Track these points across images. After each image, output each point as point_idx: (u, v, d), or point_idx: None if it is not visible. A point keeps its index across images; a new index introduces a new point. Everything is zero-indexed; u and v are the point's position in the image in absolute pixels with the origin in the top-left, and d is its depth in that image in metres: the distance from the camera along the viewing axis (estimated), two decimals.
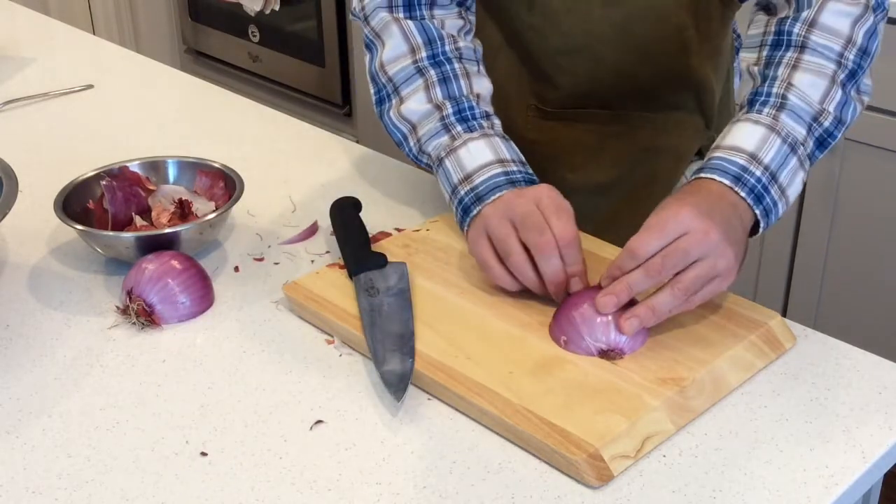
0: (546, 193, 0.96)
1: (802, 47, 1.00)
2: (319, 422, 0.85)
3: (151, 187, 1.14)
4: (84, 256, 1.09)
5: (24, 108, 1.46)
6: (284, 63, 2.96)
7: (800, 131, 0.97)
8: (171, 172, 1.16)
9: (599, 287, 0.92)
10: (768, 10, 1.08)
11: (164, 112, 1.46)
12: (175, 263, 0.99)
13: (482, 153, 1.03)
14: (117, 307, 1.00)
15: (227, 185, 1.13)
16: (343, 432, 0.84)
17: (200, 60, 3.31)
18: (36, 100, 1.48)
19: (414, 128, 1.08)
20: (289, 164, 1.29)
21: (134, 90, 1.53)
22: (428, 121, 1.07)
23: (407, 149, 1.10)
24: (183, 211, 1.10)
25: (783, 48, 1.01)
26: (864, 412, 0.85)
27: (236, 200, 1.08)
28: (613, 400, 0.83)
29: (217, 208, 1.11)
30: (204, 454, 0.82)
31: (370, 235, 1.07)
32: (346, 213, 1.09)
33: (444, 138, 1.05)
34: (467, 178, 1.02)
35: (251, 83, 3.10)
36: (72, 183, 1.10)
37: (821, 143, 1.00)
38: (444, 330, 0.92)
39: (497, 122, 1.08)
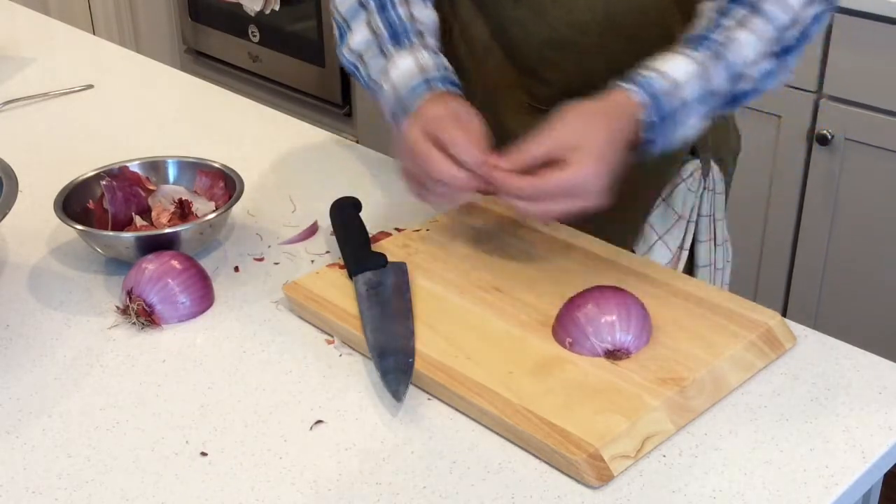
0: (451, 107, 1.00)
1: (755, 8, 1.03)
2: (319, 422, 0.85)
3: (151, 187, 1.14)
4: (84, 256, 1.09)
5: (24, 108, 1.46)
6: (284, 63, 2.96)
7: (722, 84, 1.01)
8: (171, 172, 1.16)
9: (603, 288, 0.92)
10: None
11: (164, 112, 1.46)
12: (175, 263, 0.99)
13: (407, 66, 1.05)
14: (117, 307, 1.00)
15: (227, 185, 1.13)
16: (343, 432, 0.84)
17: (200, 60, 3.31)
18: (36, 100, 1.48)
19: (361, 57, 1.11)
20: (289, 163, 1.29)
21: (134, 90, 1.53)
22: (369, 48, 1.09)
23: (360, 80, 1.12)
24: (183, 211, 1.10)
25: (737, 4, 1.03)
26: (864, 412, 0.85)
27: (236, 200, 1.08)
28: (613, 400, 0.83)
29: (217, 208, 1.11)
30: (204, 454, 0.82)
31: (370, 235, 1.07)
32: (346, 213, 1.09)
33: (381, 62, 1.08)
34: (394, 89, 1.05)
35: (251, 83, 3.10)
36: (72, 183, 1.10)
37: (732, 101, 1.04)
38: (444, 330, 0.92)
39: (431, 40, 1.11)
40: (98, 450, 0.83)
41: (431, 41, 1.10)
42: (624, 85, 0.99)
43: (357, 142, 1.41)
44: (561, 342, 0.90)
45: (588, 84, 1.21)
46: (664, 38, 1.17)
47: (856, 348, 0.93)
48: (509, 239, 1.07)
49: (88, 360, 0.94)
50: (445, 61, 1.09)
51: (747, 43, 1.02)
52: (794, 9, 1.04)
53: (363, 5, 1.11)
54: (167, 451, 0.83)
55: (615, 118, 0.97)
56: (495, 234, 1.07)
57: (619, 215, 1.14)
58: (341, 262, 1.03)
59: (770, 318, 0.93)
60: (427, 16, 1.13)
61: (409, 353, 0.89)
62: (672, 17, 1.16)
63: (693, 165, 1.24)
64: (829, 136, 1.98)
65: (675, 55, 1.01)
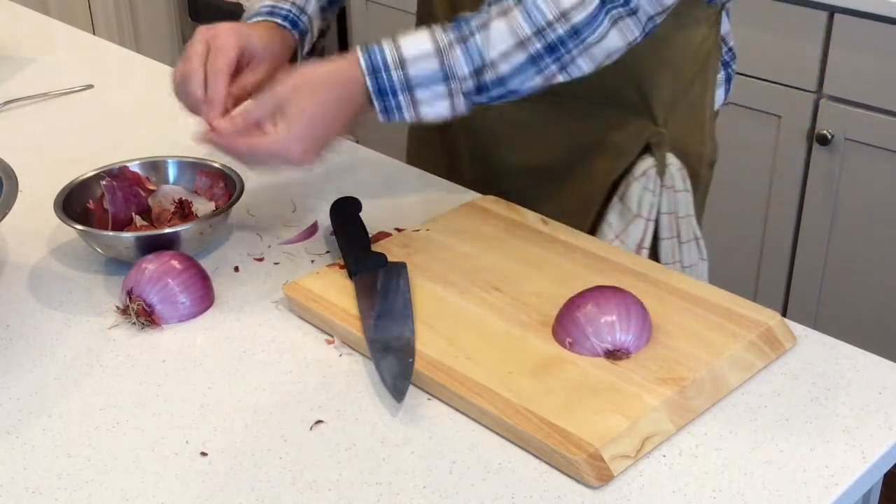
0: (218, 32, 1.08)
1: (520, 1, 1.01)
2: (319, 422, 0.85)
3: (151, 187, 1.14)
4: (84, 256, 1.09)
5: (24, 108, 1.46)
6: None
7: (463, 68, 1.00)
8: (171, 172, 1.16)
9: (603, 288, 0.92)
10: None
11: (164, 112, 1.46)
12: (175, 263, 0.99)
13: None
14: (117, 307, 1.00)
15: (227, 185, 1.13)
16: (343, 432, 0.84)
17: None
18: (36, 100, 1.48)
19: None
20: None
21: (134, 90, 1.53)
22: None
23: None
24: (183, 211, 1.10)
25: None
26: (864, 412, 0.85)
27: (236, 200, 1.08)
28: (613, 400, 0.83)
29: (217, 208, 1.11)
30: (204, 454, 0.82)
31: (370, 235, 1.07)
32: (346, 213, 1.09)
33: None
34: (246, 14, 1.15)
35: None
36: (72, 183, 1.10)
37: (479, 90, 1.02)
38: (444, 330, 0.92)
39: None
40: (98, 450, 0.83)
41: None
42: (358, 49, 1.01)
43: (357, 142, 1.41)
44: (561, 342, 0.90)
45: None
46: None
47: (856, 348, 0.93)
48: (509, 239, 1.07)
49: (88, 360, 0.94)
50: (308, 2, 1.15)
51: (498, 35, 1.00)
52: (564, 6, 0.99)
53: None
54: (167, 451, 0.83)
55: (333, 87, 1.00)
56: (495, 234, 1.07)
57: (570, 211, 1.13)
58: (341, 262, 1.03)
59: (770, 318, 0.93)
60: None
61: (409, 352, 0.89)
62: None
63: (646, 164, 1.22)
64: (829, 136, 1.98)
65: (423, 31, 1.01)
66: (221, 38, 1.06)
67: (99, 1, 3.23)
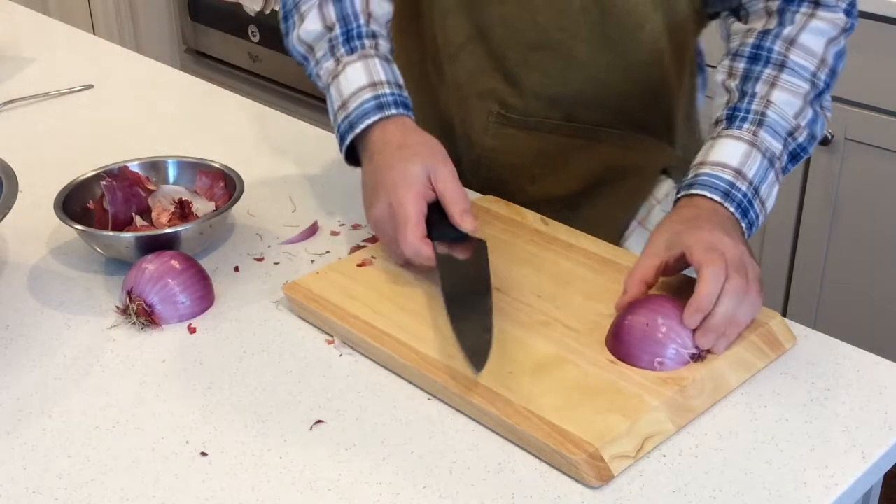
0: (398, 193, 0.97)
1: (782, 66, 1.03)
2: (319, 422, 0.85)
3: (151, 187, 1.14)
4: (84, 256, 1.09)
5: (24, 108, 1.46)
6: (284, 63, 2.96)
7: (777, 146, 1.01)
8: (171, 172, 1.16)
9: (649, 300, 0.90)
10: (737, 14, 1.11)
11: (164, 112, 1.46)
12: (175, 263, 0.99)
13: (358, 77, 1.02)
14: (117, 307, 1.00)
15: (227, 185, 1.13)
16: (343, 432, 0.84)
17: (200, 60, 3.31)
18: (36, 100, 1.48)
19: (311, 49, 1.08)
20: (289, 164, 1.29)
21: (134, 90, 1.53)
22: (321, 43, 1.06)
23: (308, 71, 1.10)
24: (183, 211, 1.10)
25: (762, 64, 1.04)
26: (864, 412, 0.85)
27: (236, 200, 1.08)
28: (613, 400, 0.83)
29: (217, 208, 1.11)
30: (204, 454, 0.82)
31: (370, 236, 1.06)
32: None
33: (330, 63, 1.05)
34: (343, 105, 1.03)
35: (251, 83, 3.10)
36: (72, 183, 1.10)
37: (794, 157, 1.04)
38: (444, 330, 0.92)
39: (384, 43, 1.07)
40: (98, 450, 0.83)
41: (384, 45, 1.07)
42: (695, 192, 0.97)
43: None
44: (648, 366, 0.87)
45: (564, 95, 1.19)
46: (652, 60, 1.16)
47: (856, 348, 0.93)
48: (509, 239, 1.07)
49: (88, 360, 0.94)
50: (398, 74, 1.06)
51: (785, 102, 1.02)
52: (819, 53, 1.04)
53: None
54: (167, 451, 0.83)
55: (722, 228, 0.94)
56: (495, 234, 1.07)
57: (587, 233, 1.13)
58: (361, 260, 1.02)
59: (770, 318, 0.93)
60: (383, 11, 1.10)
61: (488, 328, 0.89)
62: (662, 43, 1.15)
63: (667, 186, 1.23)
64: (829, 136, 1.98)
65: (723, 140, 1.00)
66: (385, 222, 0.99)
67: (99, 1, 3.23)
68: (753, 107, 1.01)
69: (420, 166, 0.97)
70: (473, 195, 1.18)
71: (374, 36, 1.06)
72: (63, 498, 0.78)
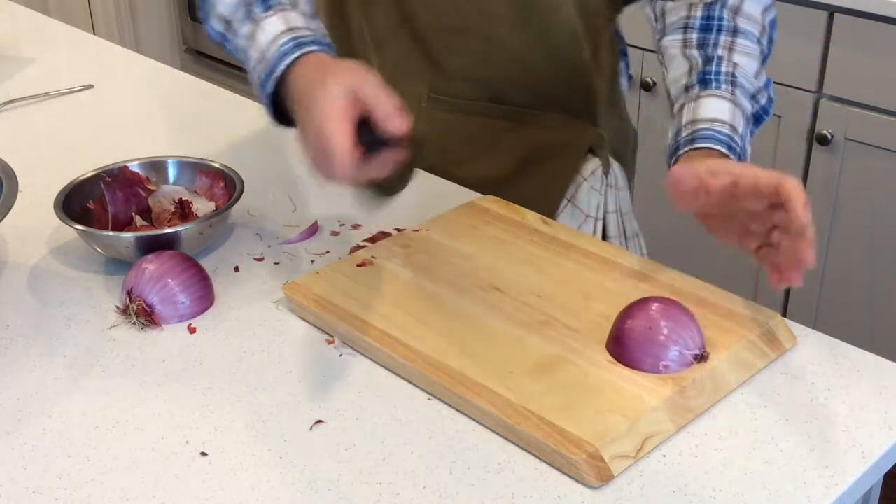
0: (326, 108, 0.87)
1: (735, 31, 1.06)
2: (319, 422, 0.85)
3: (151, 187, 1.14)
4: (84, 256, 1.09)
5: (24, 108, 1.46)
6: None
7: (748, 107, 1.03)
8: (171, 172, 1.16)
9: (645, 303, 0.90)
10: None
11: (164, 112, 1.46)
12: (175, 263, 0.99)
13: (274, 27, 0.98)
14: (117, 307, 1.00)
15: (227, 185, 1.13)
16: (343, 432, 0.84)
17: (200, 60, 3.31)
18: (36, 100, 1.48)
19: (229, 24, 1.03)
20: (289, 164, 1.29)
21: (134, 90, 1.53)
22: (237, 12, 1.02)
23: (228, 47, 1.05)
24: (183, 211, 1.10)
25: (715, 32, 1.07)
26: (864, 412, 0.85)
27: (236, 200, 1.08)
28: (613, 400, 0.83)
29: (217, 208, 1.11)
30: (204, 454, 0.82)
31: (371, 235, 1.06)
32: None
33: (247, 26, 1.00)
34: (261, 57, 0.97)
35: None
36: (72, 183, 1.10)
37: (756, 119, 1.06)
38: (444, 330, 0.92)
39: (305, 6, 1.03)
40: (98, 450, 0.83)
41: (306, 7, 1.03)
42: (700, 145, 0.97)
43: None
44: (652, 370, 0.87)
45: (488, 77, 1.23)
46: (570, 42, 1.20)
47: (856, 348, 0.93)
48: (509, 239, 1.07)
49: (88, 360, 0.94)
50: (321, 25, 1.02)
51: (747, 65, 1.05)
52: (759, 20, 1.08)
53: None
54: (167, 451, 0.83)
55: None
56: (495, 234, 1.07)
57: None
58: (361, 260, 1.02)
59: (770, 318, 0.93)
60: None
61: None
62: (577, 26, 1.19)
63: (593, 164, 1.26)
64: (829, 136, 1.98)
65: (707, 99, 1.01)
66: (363, 80, 0.91)
67: (99, 1, 3.23)
68: (723, 69, 1.03)
69: (340, 85, 0.89)
70: (473, 195, 1.19)
71: None
72: (63, 498, 0.78)
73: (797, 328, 0.95)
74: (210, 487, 0.79)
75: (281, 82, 0.95)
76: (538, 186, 1.25)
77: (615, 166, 1.29)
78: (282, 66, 0.94)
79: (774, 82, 1.11)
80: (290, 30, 0.97)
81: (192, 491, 0.79)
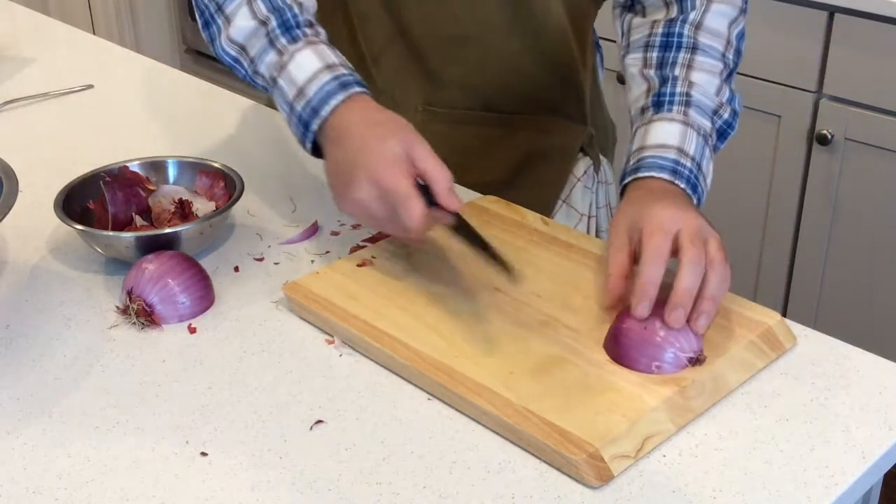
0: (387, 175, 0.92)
1: (694, 48, 1.06)
2: (319, 422, 0.85)
3: (151, 187, 1.14)
4: (84, 256, 1.09)
5: (24, 108, 1.46)
6: None
7: (706, 124, 1.03)
8: (171, 172, 1.16)
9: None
10: (631, 9, 1.14)
11: (164, 112, 1.46)
12: (175, 263, 0.99)
13: (310, 62, 0.98)
14: (117, 307, 1.00)
15: (227, 185, 1.13)
16: (343, 432, 0.84)
17: (200, 60, 3.31)
18: (36, 100, 1.48)
19: (243, 49, 1.03)
20: (289, 164, 1.29)
21: (134, 90, 1.53)
22: (255, 39, 1.01)
23: (242, 72, 1.05)
24: (183, 211, 1.10)
25: (674, 49, 1.07)
26: (864, 412, 0.85)
27: (236, 200, 1.08)
28: (613, 400, 0.83)
29: (217, 208, 1.11)
30: (204, 454, 0.82)
31: (370, 236, 1.06)
32: None
33: (272, 55, 1.00)
34: (300, 92, 0.98)
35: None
36: (72, 183, 1.10)
37: (721, 135, 1.06)
38: (444, 330, 0.92)
39: (322, 30, 1.04)
40: (98, 450, 0.83)
41: (323, 33, 1.04)
42: (642, 175, 0.99)
43: None
44: (646, 370, 0.87)
45: (482, 84, 1.23)
46: (560, 49, 1.21)
47: (856, 348, 0.93)
48: (509, 239, 1.07)
49: (88, 360, 0.94)
50: (345, 58, 1.03)
51: (706, 82, 1.05)
52: (724, 34, 1.08)
53: None
54: (167, 451, 0.83)
55: (674, 200, 0.96)
56: (495, 234, 1.07)
57: None
58: (361, 260, 1.02)
59: (770, 318, 0.93)
60: (310, 3, 1.06)
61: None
62: (566, 27, 1.20)
63: (585, 164, 1.29)
64: (829, 136, 1.98)
65: (657, 123, 1.02)
66: (414, 145, 0.95)
67: (99, 1, 3.23)
68: (678, 89, 1.04)
69: (398, 145, 0.93)
70: (472, 194, 1.19)
71: (311, 25, 1.03)
72: (63, 498, 0.78)
73: (797, 328, 0.95)
74: (210, 487, 0.79)
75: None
76: (534, 190, 1.26)
77: (604, 161, 1.31)
78: (328, 108, 0.96)
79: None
80: (329, 67, 0.98)
81: (192, 491, 0.79)
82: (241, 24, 1.02)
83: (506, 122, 1.27)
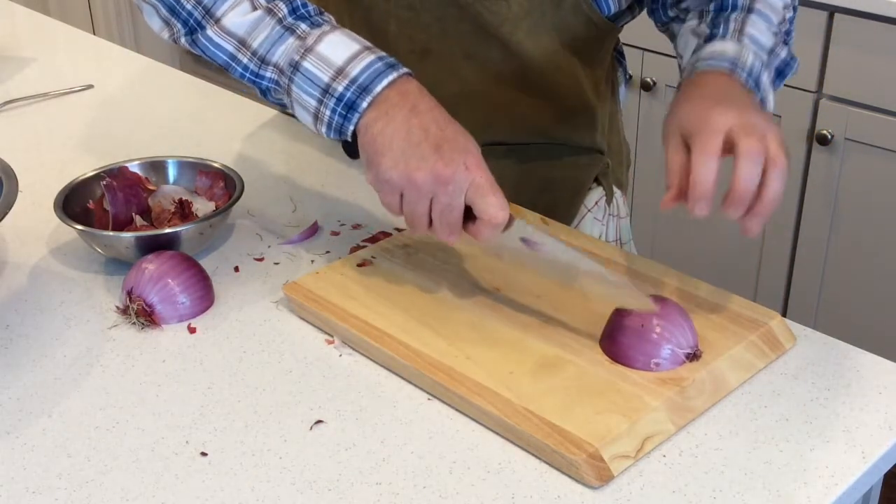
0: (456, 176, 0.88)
1: (749, 10, 1.04)
2: (319, 422, 0.85)
3: (151, 187, 1.14)
4: (84, 256, 1.09)
5: (24, 108, 1.46)
6: None
7: (763, 55, 1.00)
8: (171, 172, 1.16)
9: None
10: (674, 20, 1.14)
11: (164, 112, 1.46)
12: (175, 263, 0.99)
13: (345, 44, 0.92)
14: (117, 307, 1.00)
15: (227, 185, 1.13)
16: (343, 432, 0.84)
17: (200, 60, 3.30)
18: (36, 100, 1.48)
19: (243, 42, 0.95)
20: (289, 164, 1.29)
21: (134, 90, 1.53)
22: (261, 28, 0.94)
23: (239, 68, 0.96)
24: (183, 211, 1.10)
25: (729, 9, 1.05)
26: (864, 412, 0.85)
27: (236, 200, 1.08)
28: (613, 400, 0.83)
29: (217, 208, 1.11)
30: (204, 454, 0.82)
31: (370, 236, 1.06)
32: None
33: (291, 40, 0.93)
34: (340, 72, 0.91)
35: None
36: (72, 183, 1.10)
37: (779, 73, 1.03)
38: (444, 330, 0.92)
39: (332, 17, 0.99)
40: (98, 450, 0.83)
41: (333, 18, 0.98)
42: (700, 68, 0.96)
43: None
44: (644, 367, 0.87)
45: (492, 132, 1.20)
46: (573, 88, 1.19)
47: (856, 348, 0.93)
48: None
49: (88, 360, 0.94)
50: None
51: (760, 31, 1.02)
52: (779, 10, 1.06)
53: None
54: (167, 451, 0.83)
55: (731, 93, 0.94)
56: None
57: None
58: (361, 260, 1.02)
59: (770, 318, 0.93)
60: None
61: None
62: (579, 69, 1.18)
63: (597, 194, 1.25)
64: (829, 136, 1.98)
65: (708, 45, 1.00)
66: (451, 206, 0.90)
67: (99, 1, 3.23)
68: (731, 28, 1.02)
69: (473, 144, 0.91)
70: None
71: (321, 12, 0.98)
72: (63, 498, 0.78)
73: (797, 328, 0.95)
74: (210, 487, 0.79)
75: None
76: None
77: (617, 194, 1.28)
78: (380, 86, 0.91)
79: None
80: (368, 49, 0.93)
81: (192, 491, 0.79)
82: (237, 19, 0.95)
83: (517, 152, 1.24)
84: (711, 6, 1.07)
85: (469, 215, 0.90)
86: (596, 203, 1.25)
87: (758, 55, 0.99)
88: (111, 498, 0.78)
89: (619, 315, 0.90)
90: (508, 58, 1.15)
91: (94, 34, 2.42)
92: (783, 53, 1.04)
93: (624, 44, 1.36)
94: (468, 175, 0.88)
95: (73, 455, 0.82)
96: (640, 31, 1.20)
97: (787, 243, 2.14)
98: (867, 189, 1.99)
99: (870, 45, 1.89)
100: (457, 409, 0.86)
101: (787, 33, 1.07)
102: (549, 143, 1.24)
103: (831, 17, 1.93)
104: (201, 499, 0.78)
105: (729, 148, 0.87)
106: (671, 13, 1.14)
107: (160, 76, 1.59)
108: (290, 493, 0.78)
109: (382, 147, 0.90)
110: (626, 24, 1.21)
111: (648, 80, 2.19)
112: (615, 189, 1.29)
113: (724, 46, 0.99)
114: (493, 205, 0.88)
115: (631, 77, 1.39)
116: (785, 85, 2.09)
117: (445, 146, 0.89)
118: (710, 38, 1.02)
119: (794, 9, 1.10)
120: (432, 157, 0.88)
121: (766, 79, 0.99)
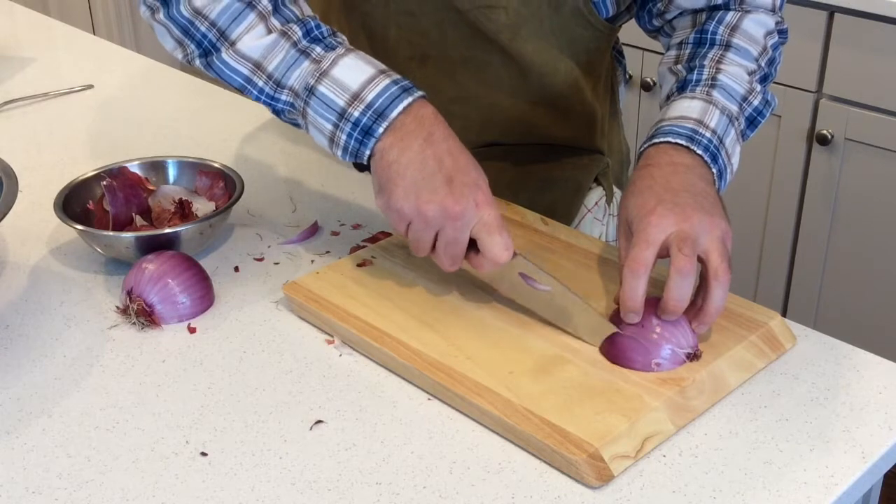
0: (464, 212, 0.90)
1: (727, 46, 1.05)
2: (319, 422, 0.85)
3: (151, 187, 1.14)
4: (84, 256, 1.09)
5: (24, 108, 1.46)
6: None
7: (733, 107, 1.01)
8: (171, 172, 1.16)
9: (649, 303, 0.90)
10: (660, 32, 1.15)
11: (164, 112, 1.46)
12: (175, 263, 0.99)
13: (360, 67, 0.92)
14: (117, 307, 1.00)
15: (227, 185, 1.13)
16: (343, 432, 0.84)
17: None
18: (36, 100, 1.48)
19: (258, 65, 0.95)
20: (289, 164, 1.29)
21: (134, 90, 1.53)
22: (276, 52, 0.94)
23: (255, 91, 0.96)
24: (183, 211, 1.10)
25: (706, 46, 1.06)
26: (864, 412, 0.85)
27: (236, 200, 1.08)
28: (613, 400, 0.83)
29: (217, 208, 1.11)
30: (204, 454, 0.82)
31: (370, 236, 1.06)
32: None
33: (306, 63, 0.93)
34: (356, 97, 0.91)
35: None
36: (72, 183, 1.10)
37: (751, 122, 1.04)
38: (444, 330, 0.92)
39: (345, 38, 0.98)
40: (98, 450, 0.83)
41: (346, 39, 0.98)
42: (657, 140, 0.97)
43: None
44: (644, 368, 0.87)
45: (489, 135, 1.21)
46: (572, 89, 1.19)
47: (856, 348, 0.93)
48: None
49: (88, 360, 0.94)
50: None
51: (735, 73, 1.03)
52: (760, 41, 1.06)
53: (251, 5, 0.95)
54: (167, 451, 0.83)
55: (681, 186, 0.93)
56: None
57: None
58: (361, 260, 1.02)
59: (770, 318, 0.93)
60: (311, 12, 1.00)
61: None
62: (576, 72, 1.18)
63: (597, 194, 1.26)
64: (829, 136, 1.98)
65: (676, 102, 1.01)
66: (456, 241, 0.92)
67: (99, 1, 3.23)
68: (704, 75, 1.02)
69: (484, 179, 0.93)
70: None
71: (334, 33, 0.98)
72: (63, 498, 0.78)
73: (797, 328, 0.95)
74: (210, 487, 0.79)
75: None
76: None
77: (617, 195, 1.28)
78: (397, 110, 0.91)
79: (774, 82, 1.11)
80: (383, 72, 0.93)
81: (192, 491, 0.79)
82: (252, 43, 0.95)
83: (516, 154, 1.24)
84: (690, 37, 1.07)
85: (473, 245, 0.92)
86: (596, 203, 1.26)
87: (726, 109, 1.00)
88: (111, 498, 0.78)
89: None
90: (508, 62, 1.16)
91: (94, 34, 2.42)
92: (756, 101, 1.04)
93: (624, 44, 1.36)
94: (477, 212, 0.90)
95: (72, 455, 0.82)
96: (639, 31, 1.20)
97: (787, 243, 2.14)
98: (867, 189, 1.99)
99: (870, 45, 1.89)
100: (457, 409, 0.86)
101: (770, 62, 1.08)
102: (549, 143, 1.25)
103: (831, 17, 1.93)
104: (201, 499, 0.78)
105: (666, 252, 0.89)
106: (656, 23, 1.15)
107: (160, 76, 1.59)
108: (290, 493, 0.78)
109: (396, 176, 0.91)
110: (623, 23, 1.21)
111: (648, 80, 2.19)
112: (615, 189, 1.29)
113: (690, 106, 0.99)
114: (499, 244, 0.90)
115: (630, 77, 1.39)
116: (785, 85, 2.10)
117: (457, 180, 0.90)
118: (683, 85, 1.03)
119: (781, 33, 1.10)
120: (443, 190, 0.90)
121: (731, 137, 1.00)
